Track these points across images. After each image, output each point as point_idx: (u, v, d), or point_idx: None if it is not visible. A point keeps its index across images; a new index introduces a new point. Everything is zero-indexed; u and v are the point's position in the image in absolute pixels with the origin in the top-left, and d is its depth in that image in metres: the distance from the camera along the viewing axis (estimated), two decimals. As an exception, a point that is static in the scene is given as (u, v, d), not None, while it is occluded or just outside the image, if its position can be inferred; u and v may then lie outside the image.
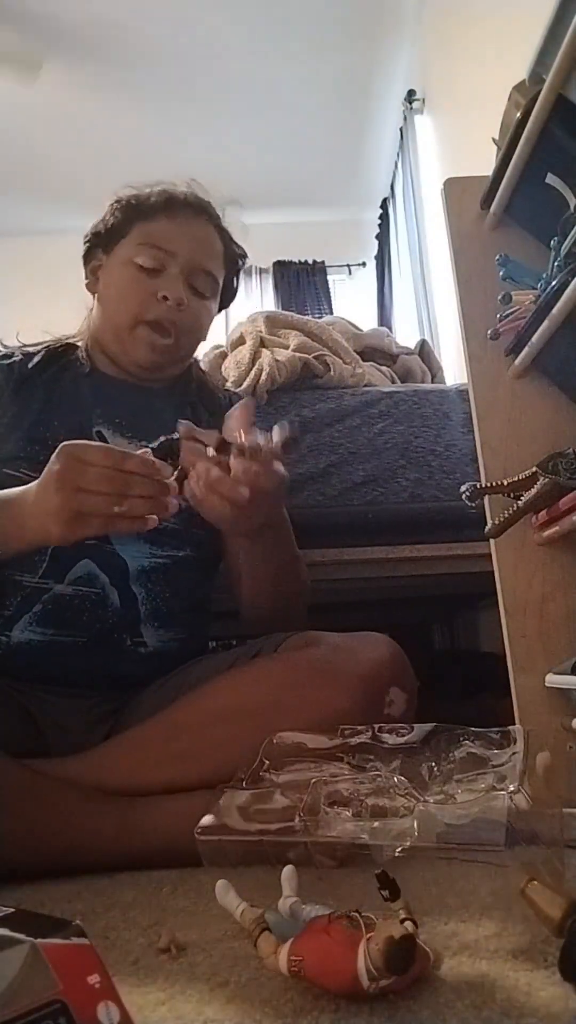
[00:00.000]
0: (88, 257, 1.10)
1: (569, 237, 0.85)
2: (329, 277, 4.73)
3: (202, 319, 1.07)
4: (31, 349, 1.08)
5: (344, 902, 0.45)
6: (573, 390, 1.01)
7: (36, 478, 0.88)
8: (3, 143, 3.85)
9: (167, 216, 1.04)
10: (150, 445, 0.75)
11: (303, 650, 0.85)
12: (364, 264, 4.71)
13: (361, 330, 1.89)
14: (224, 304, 1.15)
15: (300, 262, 4.68)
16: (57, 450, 0.72)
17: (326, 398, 1.51)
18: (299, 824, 0.60)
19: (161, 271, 1.01)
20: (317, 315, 3.43)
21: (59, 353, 1.07)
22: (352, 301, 4.56)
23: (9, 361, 1.04)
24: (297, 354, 1.54)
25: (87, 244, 1.09)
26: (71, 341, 1.10)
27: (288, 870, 0.50)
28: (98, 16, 3.14)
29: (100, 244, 1.08)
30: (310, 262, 4.67)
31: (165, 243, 1.01)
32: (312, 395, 1.51)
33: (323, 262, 4.70)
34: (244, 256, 1.15)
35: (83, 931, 0.32)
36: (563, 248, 0.86)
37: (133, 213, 1.05)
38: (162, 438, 0.82)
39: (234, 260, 1.12)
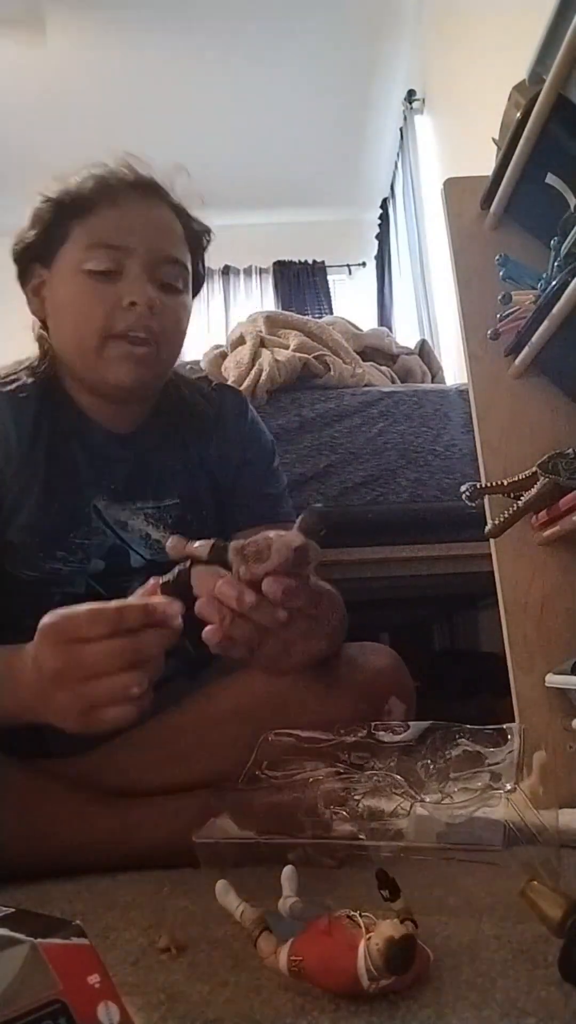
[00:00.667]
0: (24, 276, 0.89)
1: (569, 237, 0.85)
2: (329, 277, 4.73)
3: (180, 317, 0.88)
4: (16, 385, 0.89)
5: (344, 902, 0.45)
6: (573, 390, 1.01)
7: (40, 578, 0.82)
8: (3, 142, 3.86)
9: (109, 205, 0.84)
10: (160, 582, 0.58)
11: None
12: (364, 264, 4.71)
13: (361, 330, 1.89)
14: (195, 291, 0.95)
15: (300, 262, 4.68)
16: (40, 631, 0.57)
17: (326, 398, 1.51)
18: (296, 825, 0.60)
19: (119, 272, 0.82)
20: (317, 315, 3.43)
21: (51, 397, 0.90)
22: (352, 301, 4.55)
23: (3, 428, 0.86)
24: (297, 354, 1.54)
25: (17, 261, 0.89)
26: (50, 368, 0.91)
27: (288, 870, 0.50)
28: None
29: (35, 257, 0.88)
30: (310, 262, 4.67)
31: (116, 239, 0.83)
32: (312, 395, 1.51)
33: (323, 262, 4.70)
34: (208, 232, 0.95)
35: (83, 931, 0.32)
36: (563, 248, 0.86)
37: (68, 211, 0.85)
38: (171, 574, 0.59)
39: (198, 240, 0.93)
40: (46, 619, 0.57)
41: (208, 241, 0.95)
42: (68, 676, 0.55)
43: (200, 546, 0.57)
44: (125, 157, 0.88)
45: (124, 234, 0.83)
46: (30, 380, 0.89)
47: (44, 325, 0.91)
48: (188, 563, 0.58)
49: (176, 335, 0.88)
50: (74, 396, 0.90)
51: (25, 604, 0.79)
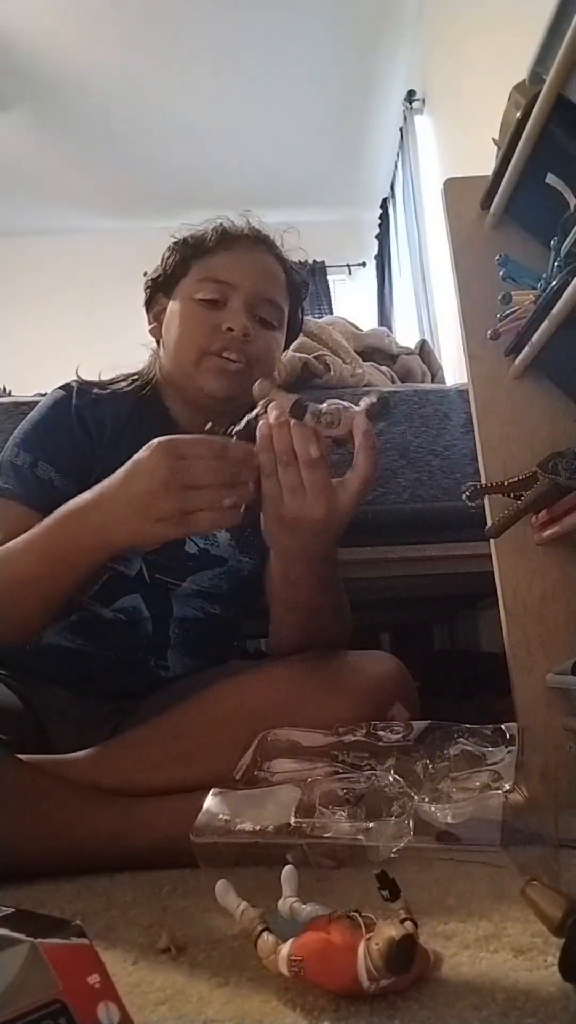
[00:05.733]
0: (150, 304, 1.08)
1: (569, 237, 0.85)
2: (329, 277, 4.73)
3: (271, 349, 1.02)
4: (118, 388, 1.05)
5: (344, 902, 0.45)
6: (573, 390, 1.01)
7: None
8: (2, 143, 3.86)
9: (224, 249, 1.01)
10: (233, 430, 0.72)
11: (309, 660, 0.85)
12: (364, 264, 4.71)
13: (361, 330, 1.89)
14: (290, 337, 1.11)
15: (300, 262, 4.68)
16: (150, 448, 0.71)
17: (326, 398, 1.50)
18: (294, 825, 0.60)
19: (223, 304, 0.97)
20: (317, 315, 3.43)
21: (146, 401, 1.04)
22: (352, 301, 4.56)
23: (100, 416, 1.00)
24: (297, 354, 1.54)
25: (147, 290, 1.07)
26: (151, 380, 1.06)
27: (288, 870, 0.50)
28: (95, 17, 3.14)
29: (160, 288, 1.05)
30: (310, 262, 4.66)
31: (225, 275, 0.98)
32: (312, 395, 1.51)
33: (323, 262, 4.70)
34: (307, 285, 1.11)
35: (83, 931, 0.32)
36: (563, 248, 0.86)
37: (190, 252, 1.02)
38: (246, 419, 0.73)
39: (297, 290, 1.08)
40: (159, 439, 0.71)
41: (306, 293, 1.12)
42: (173, 484, 0.68)
43: (286, 397, 0.69)
44: (244, 213, 1.06)
45: (232, 272, 0.99)
46: (129, 386, 1.06)
47: (158, 343, 1.07)
48: (256, 414, 0.71)
49: (266, 361, 1.01)
50: (167, 404, 1.05)
51: None
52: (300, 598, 0.86)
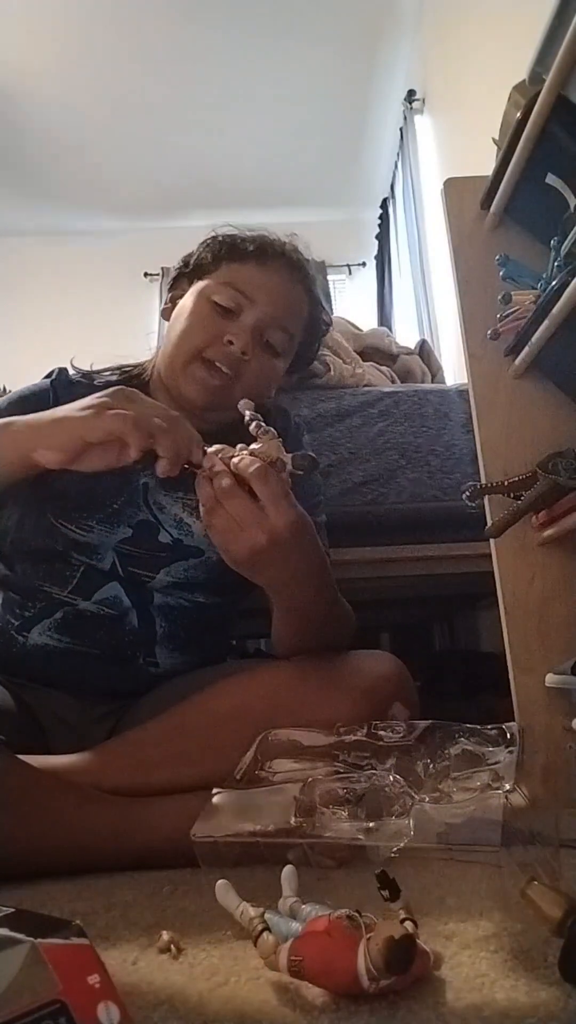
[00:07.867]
0: (173, 285, 1.08)
1: (569, 237, 0.85)
2: (329, 277, 4.72)
3: (266, 374, 1.00)
4: (108, 378, 1.06)
5: (344, 902, 0.45)
6: (573, 390, 1.01)
7: (79, 533, 0.93)
8: (2, 143, 3.86)
9: (257, 262, 0.99)
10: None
11: (310, 659, 0.85)
12: (364, 264, 4.71)
13: (361, 330, 1.89)
14: (297, 369, 1.10)
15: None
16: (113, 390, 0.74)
17: (326, 398, 1.51)
18: (295, 825, 0.60)
19: (236, 315, 0.96)
20: (317, 315, 3.41)
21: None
22: (352, 301, 4.56)
23: (71, 399, 0.99)
24: (297, 354, 1.54)
25: (176, 272, 1.07)
26: (142, 372, 1.08)
27: (288, 870, 0.50)
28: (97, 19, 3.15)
29: (186, 275, 1.05)
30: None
31: (247, 288, 0.97)
32: (312, 395, 1.51)
33: (323, 262, 4.69)
34: (329, 325, 1.09)
35: (83, 931, 0.32)
36: (563, 248, 0.86)
37: (225, 252, 1.01)
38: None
39: (317, 328, 1.08)
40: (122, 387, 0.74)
41: (325, 333, 1.12)
42: (106, 404, 0.71)
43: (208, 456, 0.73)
44: (290, 236, 1.05)
45: (256, 288, 0.97)
46: (118, 378, 1.06)
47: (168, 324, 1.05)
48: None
49: (256, 386, 0.98)
50: (155, 393, 1.04)
51: (48, 573, 0.94)
52: (299, 613, 0.86)
